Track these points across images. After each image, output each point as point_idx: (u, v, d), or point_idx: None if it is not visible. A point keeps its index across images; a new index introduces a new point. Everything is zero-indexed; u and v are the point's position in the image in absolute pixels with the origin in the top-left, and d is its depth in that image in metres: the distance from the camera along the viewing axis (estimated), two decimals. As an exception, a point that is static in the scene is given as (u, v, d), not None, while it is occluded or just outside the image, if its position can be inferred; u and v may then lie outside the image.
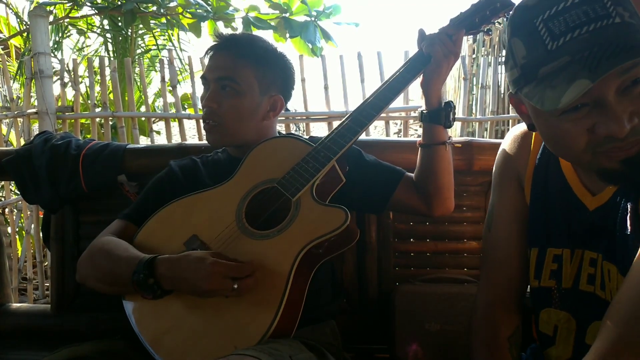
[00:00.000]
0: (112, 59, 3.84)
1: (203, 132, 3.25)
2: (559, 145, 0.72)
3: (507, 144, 0.93)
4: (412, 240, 1.38)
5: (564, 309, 0.82)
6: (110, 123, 3.29)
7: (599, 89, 0.63)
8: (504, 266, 0.91)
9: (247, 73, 1.11)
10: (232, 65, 1.11)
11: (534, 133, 0.87)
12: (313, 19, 3.15)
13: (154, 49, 4.44)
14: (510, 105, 2.98)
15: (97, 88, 3.09)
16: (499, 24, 1.16)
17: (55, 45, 4.13)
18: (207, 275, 0.86)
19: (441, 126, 1.09)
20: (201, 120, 1.25)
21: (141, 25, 3.83)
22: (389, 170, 1.17)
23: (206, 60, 1.17)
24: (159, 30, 4.14)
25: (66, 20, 3.88)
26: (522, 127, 0.91)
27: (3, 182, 3.23)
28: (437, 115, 1.09)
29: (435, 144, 1.10)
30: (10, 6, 4.14)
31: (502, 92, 5.04)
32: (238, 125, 1.12)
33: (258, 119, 1.15)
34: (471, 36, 1.20)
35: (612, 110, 0.63)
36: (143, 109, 3.96)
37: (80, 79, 3.58)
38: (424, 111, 1.10)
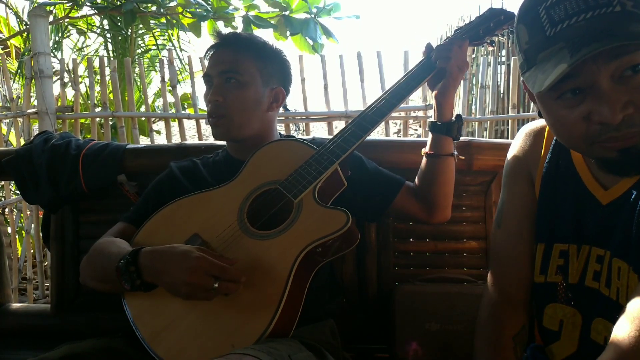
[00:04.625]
0: (112, 59, 3.84)
1: (203, 132, 3.26)
2: (559, 131, 0.73)
3: (519, 141, 0.93)
4: (411, 240, 1.38)
5: (570, 304, 0.81)
6: (110, 123, 3.29)
7: (590, 74, 0.64)
8: (513, 263, 0.90)
9: (249, 65, 1.14)
10: (235, 59, 1.13)
11: (546, 129, 0.88)
12: (313, 15, 3.14)
13: (154, 49, 4.45)
14: (510, 104, 3.00)
15: (97, 88, 3.09)
16: (502, 36, 1.17)
17: (55, 45, 4.14)
18: (189, 268, 0.86)
19: (451, 138, 1.12)
20: (203, 120, 1.26)
21: (141, 25, 3.83)
22: (388, 181, 1.18)
23: (206, 61, 1.19)
24: (158, 30, 4.14)
25: (66, 20, 3.88)
26: (534, 124, 0.91)
27: (3, 182, 3.23)
28: (450, 127, 1.11)
29: (444, 155, 1.11)
30: (10, 6, 4.14)
31: (502, 92, 5.04)
32: (244, 117, 1.14)
33: (262, 110, 1.17)
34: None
35: (606, 96, 0.64)
36: (143, 109, 3.96)
37: (80, 79, 3.58)
38: (437, 123, 1.12)
